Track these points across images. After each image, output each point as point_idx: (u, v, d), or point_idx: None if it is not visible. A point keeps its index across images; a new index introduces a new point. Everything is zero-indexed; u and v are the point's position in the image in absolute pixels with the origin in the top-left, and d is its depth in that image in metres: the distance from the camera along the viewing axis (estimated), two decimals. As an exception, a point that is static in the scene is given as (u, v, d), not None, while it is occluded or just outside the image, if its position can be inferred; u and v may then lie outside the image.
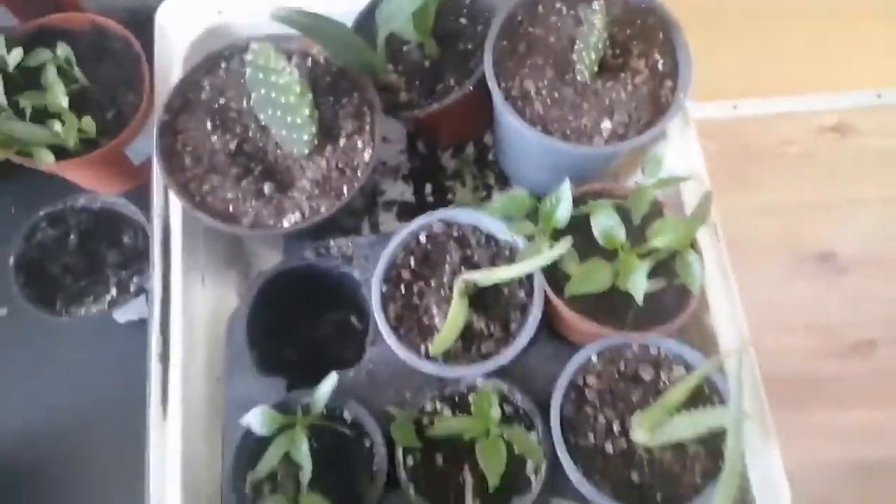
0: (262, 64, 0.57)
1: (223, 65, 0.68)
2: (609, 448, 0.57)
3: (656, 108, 0.64)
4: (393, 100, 0.70)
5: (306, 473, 0.57)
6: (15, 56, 0.66)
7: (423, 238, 0.64)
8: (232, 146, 0.65)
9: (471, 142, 0.83)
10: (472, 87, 0.67)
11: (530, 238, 0.61)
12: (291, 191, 0.64)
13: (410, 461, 0.59)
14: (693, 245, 0.59)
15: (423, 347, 0.61)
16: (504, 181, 0.80)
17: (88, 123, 0.67)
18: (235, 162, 0.65)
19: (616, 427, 0.58)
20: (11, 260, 0.66)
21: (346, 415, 0.62)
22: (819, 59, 1.59)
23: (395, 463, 0.59)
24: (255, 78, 0.59)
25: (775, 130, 1.59)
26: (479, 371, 0.59)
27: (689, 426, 0.54)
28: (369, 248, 0.68)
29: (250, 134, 0.67)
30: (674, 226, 0.56)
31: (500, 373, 0.60)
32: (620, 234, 0.57)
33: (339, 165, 0.65)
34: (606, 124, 0.63)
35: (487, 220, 0.64)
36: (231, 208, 0.64)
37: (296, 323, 0.73)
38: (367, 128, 0.66)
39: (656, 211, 0.62)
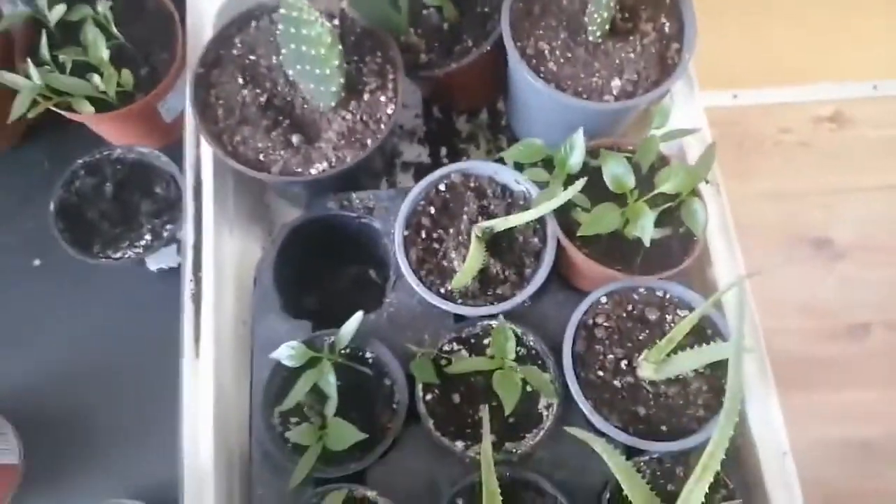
0: (296, 16, 0.60)
1: (253, 23, 0.71)
2: (617, 383, 0.61)
3: (663, 68, 0.68)
4: (413, 60, 0.73)
5: (332, 403, 0.60)
6: (58, 11, 0.70)
7: (442, 187, 0.68)
8: (262, 100, 0.69)
9: (484, 107, 0.86)
10: (489, 48, 0.71)
11: (543, 186, 0.65)
12: (318, 142, 0.68)
13: (429, 397, 0.63)
14: (697, 195, 0.63)
15: (442, 288, 0.64)
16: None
17: (127, 76, 0.71)
18: (265, 115, 0.68)
19: (623, 364, 0.61)
20: (52, 205, 0.69)
21: (368, 355, 0.66)
22: (817, 50, 1.63)
23: (414, 398, 0.62)
24: (286, 32, 0.63)
25: (773, 119, 1.63)
26: (495, 310, 0.63)
27: (691, 360, 0.58)
28: (390, 201, 0.72)
29: (279, 89, 0.70)
30: (680, 172, 0.60)
31: (514, 317, 0.64)
32: (630, 180, 0.60)
33: (363, 118, 0.68)
34: (616, 82, 0.67)
35: (503, 170, 0.67)
36: (261, 157, 0.67)
37: (317, 273, 0.77)
38: (391, 84, 0.69)
39: (663, 163, 0.65)
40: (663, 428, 0.59)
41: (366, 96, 0.69)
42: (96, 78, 0.70)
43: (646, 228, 0.59)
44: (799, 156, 1.60)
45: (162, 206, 0.74)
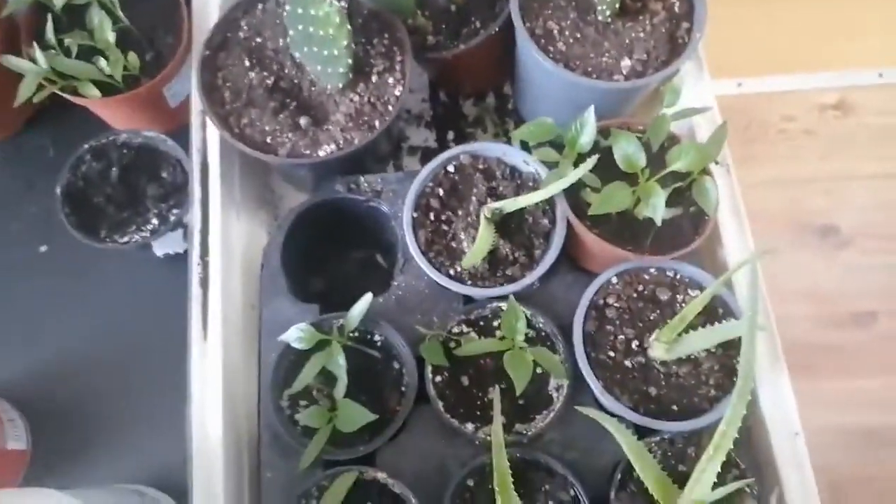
0: (303, -4, 0.60)
1: (259, 5, 0.71)
2: (628, 363, 0.61)
3: (673, 47, 0.67)
4: (421, 42, 0.73)
5: (342, 385, 0.60)
6: (63, -6, 0.69)
7: (451, 169, 0.67)
8: (269, 82, 0.68)
9: (491, 91, 0.86)
10: (497, 29, 0.70)
11: (552, 166, 0.64)
12: (326, 124, 0.67)
13: (439, 379, 0.63)
14: (708, 174, 0.63)
15: (451, 270, 0.64)
16: (524, 128, 0.84)
17: (133, 60, 0.70)
18: (272, 97, 0.68)
19: (634, 344, 0.61)
20: (58, 189, 0.69)
21: (377, 338, 0.65)
22: (822, 37, 1.63)
23: (424, 381, 0.62)
24: (293, 13, 0.62)
25: (778, 107, 1.63)
26: (504, 291, 0.62)
27: (703, 340, 0.58)
28: (398, 184, 0.71)
29: (286, 71, 0.70)
30: (691, 151, 0.59)
31: (524, 299, 0.63)
32: (641, 159, 0.60)
33: (371, 100, 0.68)
34: (626, 62, 0.66)
35: (512, 151, 0.67)
36: (269, 140, 0.67)
37: (325, 257, 0.77)
38: (398, 66, 0.69)
39: (673, 143, 0.65)
40: (675, 408, 0.59)
41: (373, 78, 0.69)
42: (102, 62, 0.70)
43: (657, 207, 0.58)
44: (804, 143, 1.60)
45: (168, 190, 0.73)
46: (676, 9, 0.68)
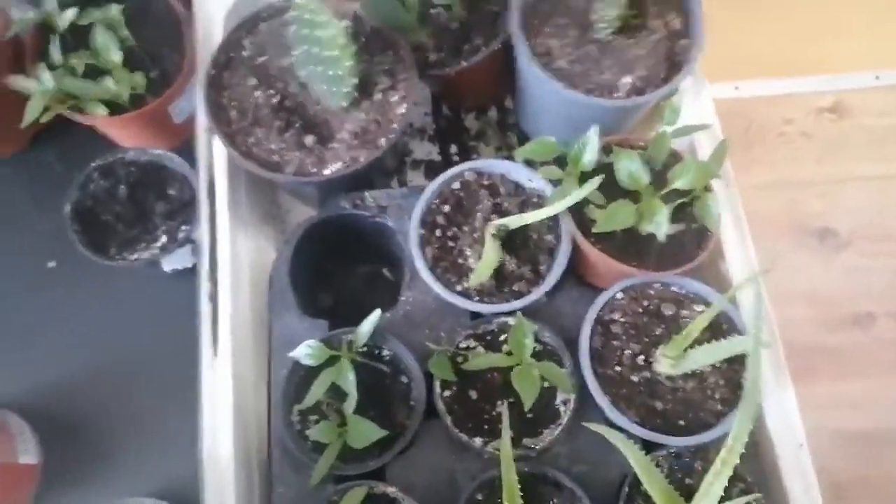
0: (308, 18, 0.60)
1: (262, 25, 0.72)
2: (634, 378, 0.61)
3: (672, 65, 0.68)
4: (423, 59, 0.74)
5: (352, 401, 0.61)
6: (69, 15, 0.70)
7: (456, 186, 0.68)
8: (274, 101, 0.69)
9: (493, 105, 0.87)
10: (499, 46, 0.71)
11: (556, 183, 0.65)
12: (331, 142, 0.68)
13: (447, 394, 0.63)
14: (709, 190, 0.63)
15: (458, 286, 0.65)
16: (526, 142, 0.84)
17: (140, 79, 0.71)
18: (278, 116, 0.69)
19: (640, 359, 0.62)
20: (67, 208, 0.70)
21: (385, 353, 0.66)
22: (818, 40, 1.63)
23: (432, 395, 0.63)
24: (298, 34, 0.63)
25: (775, 110, 1.63)
26: (511, 307, 0.63)
27: (709, 355, 0.59)
28: (403, 199, 0.72)
29: (291, 90, 0.70)
30: (693, 168, 0.60)
31: (530, 314, 0.64)
32: (644, 176, 0.61)
33: (376, 118, 0.69)
34: (626, 79, 0.67)
35: (516, 168, 0.68)
36: (275, 158, 0.67)
37: (331, 272, 0.77)
38: (402, 84, 0.70)
39: (674, 160, 0.65)
40: (681, 422, 0.60)
41: (377, 96, 0.69)
42: (109, 81, 0.70)
43: (661, 224, 0.59)
44: (801, 146, 1.61)
45: (176, 207, 0.74)
46: (675, 26, 0.69)
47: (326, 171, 0.67)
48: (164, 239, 0.72)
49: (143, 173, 0.74)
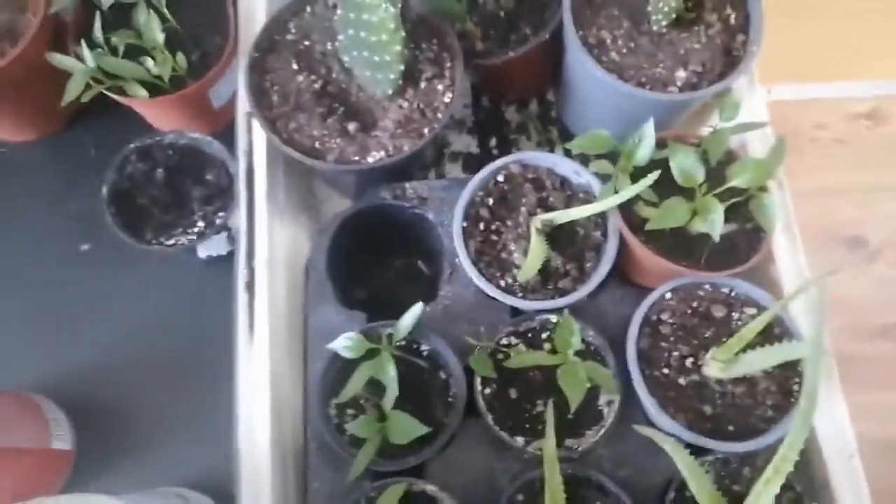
0: (359, 1, 0.59)
1: (308, 8, 0.70)
2: (682, 381, 0.60)
3: (728, 60, 0.66)
4: (469, 48, 0.72)
5: (392, 395, 0.59)
6: (111, -6, 0.69)
7: (500, 178, 0.66)
8: (317, 86, 0.68)
9: (534, 98, 0.85)
10: (547, 36, 0.69)
11: (604, 179, 0.63)
12: (374, 130, 0.67)
13: (487, 391, 0.62)
14: (765, 190, 0.61)
15: (501, 281, 0.63)
16: (567, 136, 0.83)
17: (182, 60, 0.70)
18: (320, 102, 0.67)
19: (689, 362, 0.60)
20: (104, 189, 0.69)
21: (424, 348, 0.65)
22: (855, 45, 1.60)
23: (473, 392, 0.61)
24: (345, 17, 0.61)
25: (808, 116, 1.60)
26: (556, 304, 0.62)
27: (762, 360, 0.57)
28: (444, 192, 0.70)
29: (334, 76, 0.69)
30: (752, 166, 0.58)
31: (573, 312, 0.62)
32: (699, 173, 0.59)
33: (420, 107, 0.67)
34: (681, 73, 0.65)
35: (563, 162, 0.66)
36: (317, 145, 0.66)
37: (367, 264, 0.76)
38: (448, 72, 0.68)
39: (729, 159, 0.64)
40: (730, 428, 0.58)
41: (422, 84, 0.68)
42: (150, 62, 0.69)
43: (716, 223, 0.57)
44: (835, 153, 1.57)
45: (213, 192, 0.73)
46: (732, 20, 0.67)
47: (369, 160, 0.65)
48: (201, 224, 0.71)
49: (181, 157, 0.73)
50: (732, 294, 0.62)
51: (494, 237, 0.65)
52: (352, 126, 0.67)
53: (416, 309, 0.61)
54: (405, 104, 0.67)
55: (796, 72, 1.60)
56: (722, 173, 0.61)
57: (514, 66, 0.73)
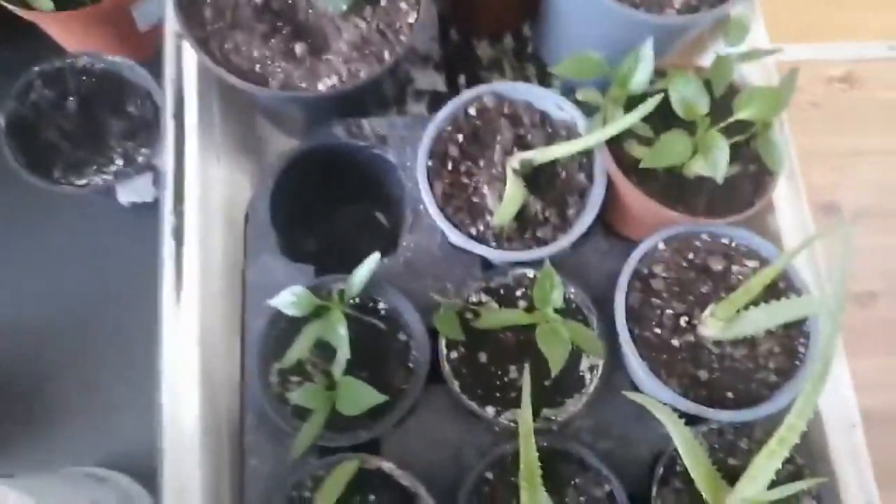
0: None
1: None
2: (675, 342, 0.53)
3: (730, -17, 0.58)
4: (437, -36, 0.63)
5: (342, 359, 0.51)
6: None
7: (472, 112, 0.58)
8: (258, 1, 0.58)
9: (508, 32, 0.76)
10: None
11: (593, 111, 0.55)
12: (326, 53, 0.57)
13: (454, 355, 0.54)
14: (771, 126, 0.54)
15: (472, 229, 0.55)
16: (545, 74, 0.74)
17: (94, -35, 0.59)
18: (262, 18, 0.58)
19: (683, 320, 0.53)
20: (1, 119, 0.58)
21: (381, 306, 0.56)
22: (831, 8, 1.55)
23: (437, 356, 0.53)
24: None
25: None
26: (534, 255, 0.54)
27: (768, 317, 0.50)
28: (406, 130, 0.62)
29: (278, -11, 0.59)
30: (762, 96, 0.51)
31: (553, 264, 0.55)
32: (702, 104, 0.51)
33: (380, 27, 0.58)
34: (679, -5, 0.57)
35: (544, 94, 0.58)
36: (258, 68, 0.56)
37: (318, 211, 0.67)
38: (412, -12, 0.59)
39: (732, 91, 0.56)
40: (728, 395, 0.51)
41: (382, 2, 0.59)
42: (56, -33, 0.58)
43: (719, 161, 0.50)
44: (809, 116, 1.54)
45: (136, 126, 0.62)
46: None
47: (320, 86, 0.56)
48: (119, 163, 0.60)
49: (97, 84, 0.62)
50: (732, 244, 0.55)
51: (465, 179, 0.56)
52: (299, 47, 0.57)
53: (372, 260, 0.52)
54: (362, 23, 0.58)
55: (771, 34, 1.54)
56: (724, 108, 0.53)
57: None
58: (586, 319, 0.55)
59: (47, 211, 0.65)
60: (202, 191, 0.58)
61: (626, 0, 0.57)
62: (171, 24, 0.59)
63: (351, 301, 0.54)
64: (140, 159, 0.60)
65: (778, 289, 0.54)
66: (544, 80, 0.74)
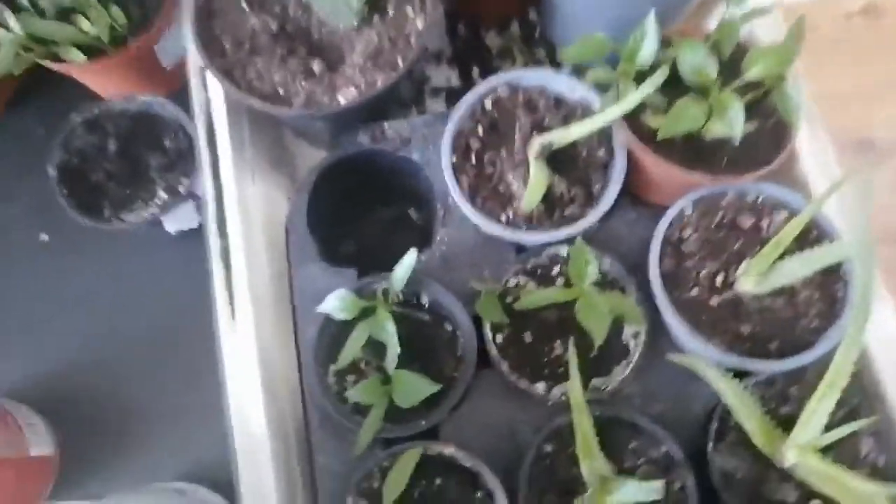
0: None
1: (252, -60, 0.62)
2: (714, 301, 0.54)
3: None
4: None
5: (393, 354, 0.54)
6: (30, -51, 0.61)
7: (488, 104, 0.59)
8: (273, 27, 0.60)
9: (515, 19, 0.77)
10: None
11: (604, 90, 0.56)
12: (342, 67, 0.60)
13: (499, 338, 0.56)
14: (784, 78, 0.55)
15: (503, 216, 0.57)
16: (556, 56, 0.75)
17: (118, 15, 0.62)
18: (279, 43, 0.60)
19: (719, 279, 0.54)
20: (51, 170, 0.62)
21: (424, 300, 0.59)
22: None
23: (483, 341, 0.56)
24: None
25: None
26: (566, 233, 0.55)
27: (803, 265, 0.51)
28: (427, 128, 0.64)
29: (290, 13, 0.62)
30: (769, 54, 0.51)
31: (584, 240, 0.56)
32: (712, 68, 0.52)
33: (391, 36, 0.60)
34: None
35: (554, 77, 0.59)
36: (280, 91, 0.59)
37: (352, 217, 0.70)
38: (417, -7, 0.61)
39: (740, 52, 0.56)
40: (773, 345, 0.52)
41: (390, 11, 0.61)
42: (83, 21, 0.61)
43: (735, 120, 0.51)
44: (830, 55, 1.50)
45: (173, 158, 0.66)
46: None
47: (341, 100, 0.58)
48: (163, 195, 0.64)
49: (133, 124, 0.66)
50: (759, 200, 0.56)
51: (489, 169, 0.58)
52: (316, 65, 0.60)
53: (410, 257, 0.55)
54: (373, 35, 0.60)
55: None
56: (735, 68, 0.54)
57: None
58: (624, 289, 0.57)
59: (105, 250, 0.69)
60: (241, 211, 0.61)
61: (626, -27, 0.58)
62: (195, 58, 0.62)
63: (395, 298, 0.56)
64: (181, 189, 0.64)
65: (811, 237, 0.54)
66: (555, 61, 0.75)
